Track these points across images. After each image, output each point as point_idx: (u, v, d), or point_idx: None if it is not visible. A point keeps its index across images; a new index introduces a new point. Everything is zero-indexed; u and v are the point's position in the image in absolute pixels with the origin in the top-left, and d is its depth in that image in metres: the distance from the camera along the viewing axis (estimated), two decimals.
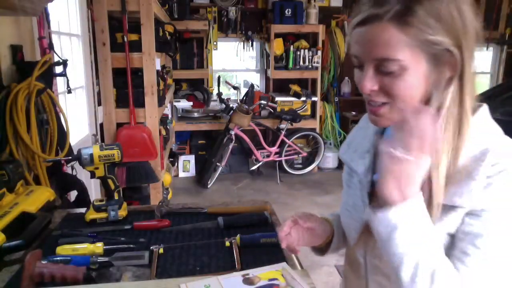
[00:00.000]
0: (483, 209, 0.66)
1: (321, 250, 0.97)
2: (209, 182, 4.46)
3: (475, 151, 0.68)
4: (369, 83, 0.68)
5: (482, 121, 0.71)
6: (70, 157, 1.25)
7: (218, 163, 4.51)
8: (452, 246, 0.69)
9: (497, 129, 0.72)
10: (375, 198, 0.75)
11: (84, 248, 1.03)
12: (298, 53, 4.78)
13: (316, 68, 4.86)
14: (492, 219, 0.65)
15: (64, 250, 1.03)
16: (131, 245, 1.08)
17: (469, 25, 0.65)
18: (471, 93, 0.68)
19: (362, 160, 0.84)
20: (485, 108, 0.73)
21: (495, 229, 0.66)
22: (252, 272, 0.92)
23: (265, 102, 4.63)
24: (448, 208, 0.68)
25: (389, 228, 0.65)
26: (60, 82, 2.09)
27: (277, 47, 4.81)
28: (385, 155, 0.65)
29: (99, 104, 2.72)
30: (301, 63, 4.81)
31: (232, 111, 4.45)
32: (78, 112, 2.53)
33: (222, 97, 4.60)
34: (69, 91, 1.87)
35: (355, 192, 0.85)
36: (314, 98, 4.95)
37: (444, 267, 0.66)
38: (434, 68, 0.66)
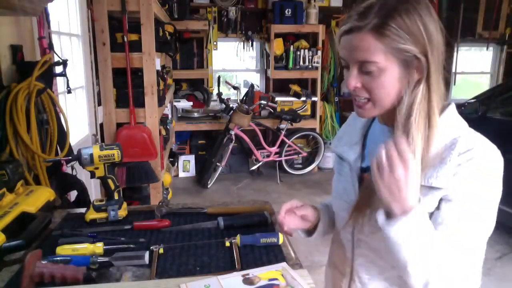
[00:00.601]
0: (455, 195, 0.79)
1: (309, 232, 1.10)
2: (209, 182, 4.46)
3: (446, 140, 0.82)
4: (353, 81, 0.83)
5: (451, 117, 0.85)
6: (70, 157, 1.24)
7: (218, 163, 4.51)
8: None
9: (464, 123, 0.86)
10: (364, 182, 0.92)
11: (84, 248, 1.03)
12: (298, 53, 4.78)
13: (316, 68, 4.86)
14: (464, 204, 0.79)
15: (64, 250, 1.03)
16: (131, 245, 1.08)
17: (433, 38, 0.79)
18: (438, 92, 0.82)
19: (352, 151, 0.98)
20: (453, 106, 0.87)
21: (467, 212, 0.79)
22: (252, 272, 0.92)
23: (265, 102, 4.63)
24: (426, 189, 0.81)
25: (395, 245, 0.77)
26: (60, 82, 2.09)
27: (277, 47, 4.81)
28: (374, 165, 0.77)
29: (99, 104, 2.72)
30: (301, 63, 4.81)
31: (232, 111, 4.45)
32: (78, 112, 2.53)
33: (222, 97, 4.60)
34: (69, 91, 1.87)
35: (346, 178, 0.98)
36: (314, 98, 4.95)
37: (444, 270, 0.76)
38: (405, 71, 0.81)
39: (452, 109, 0.86)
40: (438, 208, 0.82)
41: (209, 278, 0.91)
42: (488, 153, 0.81)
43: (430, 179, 0.80)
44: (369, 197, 0.85)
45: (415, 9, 0.77)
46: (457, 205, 0.79)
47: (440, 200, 0.81)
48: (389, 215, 0.77)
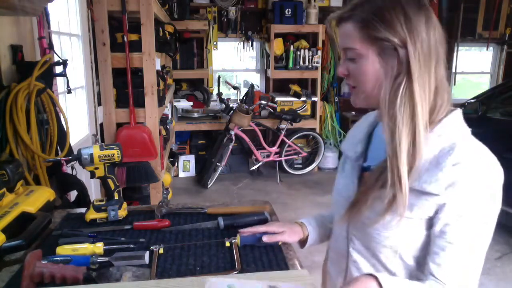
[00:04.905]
0: (450, 207, 0.79)
1: (301, 243, 1.15)
2: (209, 182, 4.46)
3: (445, 144, 0.82)
4: (341, 67, 0.90)
5: (454, 121, 0.85)
6: (70, 157, 1.24)
7: (218, 163, 4.51)
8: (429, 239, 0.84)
9: (466, 130, 0.86)
10: (363, 180, 0.93)
11: (84, 248, 1.03)
12: (298, 53, 4.78)
13: (316, 68, 4.86)
14: (460, 219, 0.79)
15: (64, 250, 1.03)
16: (131, 245, 1.08)
17: (418, 32, 0.80)
18: (424, 90, 0.81)
19: (356, 149, 1.00)
20: (459, 112, 0.87)
21: (465, 227, 0.79)
22: (277, 284, 0.88)
23: (265, 102, 4.63)
24: (419, 193, 0.82)
25: None
26: (60, 82, 2.09)
27: (277, 47, 4.81)
28: None
29: (99, 104, 2.72)
30: (301, 63, 4.81)
31: (232, 111, 4.45)
32: (78, 112, 2.53)
33: (222, 97, 4.60)
34: (69, 91, 1.87)
35: (347, 175, 1.00)
36: (314, 98, 4.95)
37: None
38: (383, 61, 0.83)
39: (457, 114, 0.86)
40: (435, 215, 0.81)
41: (231, 278, 0.88)
42: (485, 166, 0.80)
43: (424, 184, 0.81)
44: (366, 195, 0.87)
45: (399, 3, 0.81)
46: (457, 222, 0.79)
47: (437, 210, 0.81)
48: None
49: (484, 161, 0.80)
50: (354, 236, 0.96)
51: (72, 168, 1.74)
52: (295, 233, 1.10)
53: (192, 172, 4.86)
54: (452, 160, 0.79)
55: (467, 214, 0.79)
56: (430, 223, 0.83)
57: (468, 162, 0.79)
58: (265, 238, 1.05)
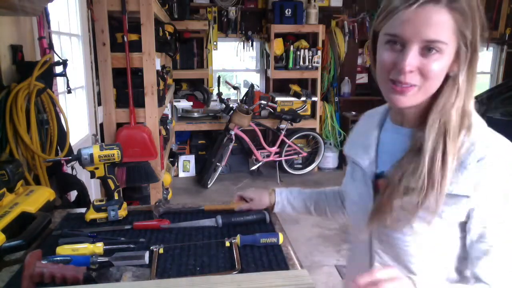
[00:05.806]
0: (483, 208, 0.74)
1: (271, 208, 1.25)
2: (209, 182, 4.46)
3: (467, 141, 0.76)
4: (413, 61, 0.73)
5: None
6: (70, 157, 1.24)
7: (218, 163, 4.51)
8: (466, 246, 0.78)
9: (482, 122, 0.81)
10: (380, 189, 0.84)
11: (84, 248, 1.03)
12: (298, 53, 4.78)
13: (316, 68, 4.86)
14: (496, 217, 0.74)
15: (64, 250, 1.03)
16: (131, 245, 1.08)
17: (484, 27, 0.74)
18: (474, 88, 0.77)
19: (367, 155, 0.90)
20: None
21: (504, 226, 0.74)
22: None
23: (265, 102, 4.63)
24: (447, 197, 0.75)
25: None
26: (60, 82, 2.09)
27: (277, 47, 4.81)
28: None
29: (99, 104, 2.72)
30: (301, 63, 4.81)
31: (232, 111, 4.45)
32: (78, 112, 2.53)
33: (222, 97, 4.60)
34: (69, 91, 1.87)
35: (360, 184, 0.92)
36: (314, 98, 4.95)
37: None
38: (454, 59, 0.75)
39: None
40: (469, 220, 0.76)
41: None
42: (509, 157, 0.75)
43: (451, 186, 0.75)
44: (388, 203, 0.80)
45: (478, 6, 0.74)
46: (494, 222, 0.74)
47: (470, 213, 0.76)
48: None
49: (506, 154, 0.76)
50: (380, 250, 0.89)
51: (72, 168, 1.74)
52: (262, 204, 1.24)
53: (192, 172, 4.87)
54: (475, 157, 0.74)
55: (503, 211, 0.74)
56: (463, 228, 0.78)
57: (493, 156, 0.74)
58: (236, 198, 1.29)
